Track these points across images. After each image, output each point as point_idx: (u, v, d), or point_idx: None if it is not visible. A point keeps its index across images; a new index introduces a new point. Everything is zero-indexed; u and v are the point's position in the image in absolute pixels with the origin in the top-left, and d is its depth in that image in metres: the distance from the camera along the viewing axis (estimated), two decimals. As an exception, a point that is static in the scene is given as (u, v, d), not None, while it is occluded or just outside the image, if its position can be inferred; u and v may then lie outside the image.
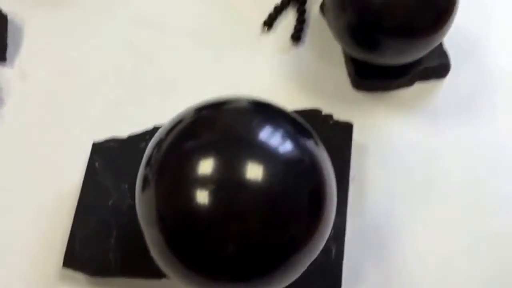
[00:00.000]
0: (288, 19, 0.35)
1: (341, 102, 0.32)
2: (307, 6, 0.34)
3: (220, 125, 0.23)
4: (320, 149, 0.24)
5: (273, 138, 0.23)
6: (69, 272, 0.28)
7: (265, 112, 0.24)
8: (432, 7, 0.28)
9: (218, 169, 0.22)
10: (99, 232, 0.28)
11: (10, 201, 0.30)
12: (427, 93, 0.33)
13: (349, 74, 0.32)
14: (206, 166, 0.22)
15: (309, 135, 0.24)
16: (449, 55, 0.33)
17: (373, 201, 0.30)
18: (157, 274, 0.26)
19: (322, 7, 0.34)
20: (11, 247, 0.29)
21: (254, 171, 0.22)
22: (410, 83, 0.32)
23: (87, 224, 0.29)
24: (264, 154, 0.22)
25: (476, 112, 0.32)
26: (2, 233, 0.29)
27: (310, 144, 0.24)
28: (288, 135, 0.23)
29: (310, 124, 0.27)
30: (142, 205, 0.24)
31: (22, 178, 0.31)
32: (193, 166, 0.22)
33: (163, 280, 0.27)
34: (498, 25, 0.34)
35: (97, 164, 0.30)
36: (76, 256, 0.28)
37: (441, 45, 0.32)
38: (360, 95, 0.32)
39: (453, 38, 0.33)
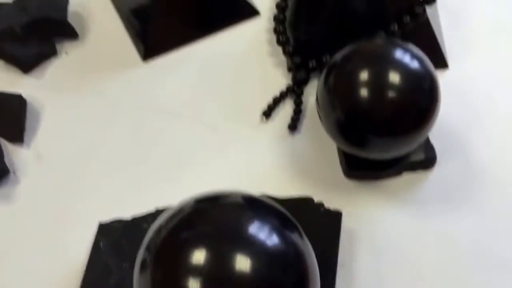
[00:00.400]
0: (286, 109, 0.37)
1: (333, 190, 0.34)
2: (304, 97, 0.37)
3: (214, 219, 0.25)
4: (304, 242, 0.26)
5: (260, 233, 0.24)
6: None
7: (255, 207, 0.26)
8: (414, 109, 0.30)
9: (208, 261, 0.23)
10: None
11: (18, 276, 0.32)
12: (415, 182, 0.35)
13: (341, 164, 0.35)
14: (198, 258, 0.24)
15: (294, 229, 0.26)
16: (435, 148, 0.35)
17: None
18: None
19: (317, 97, 0.36)
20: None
21: (241, 264, 0.23)
22: (398, 173, 0.34)
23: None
24: (251, 248, 0.24)
25: (462, 201, 0.34)
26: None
27: (295, 237, 0.25)
28: (274, 229, 0.25)
29: (301, 212, 0.29)
30: (138, 283, 0.25)
31: (31, 254, 0.33)
32: (186, 256, 0.24)
33: None
34: (483, 119, 0.37)
35: (101, 244, 0.32)
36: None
37: (427, 139, 0.35)
38: (351, 184, 0.34)
39: (439, 131, 0.35)
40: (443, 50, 0.38)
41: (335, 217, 0.32)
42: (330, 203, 0.33)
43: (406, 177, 0.35)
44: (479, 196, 0.34)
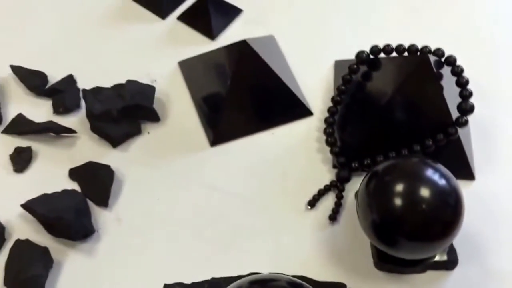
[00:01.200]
0: (328, 201, 0.43)
1: (364, 279, 0.40)
2: (345, 193, 0.43)
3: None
4: None
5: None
6: None
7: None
8: (440, 221, 0.35)
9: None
10: None
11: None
12: (437, 280, 0.40)
13: (373, 256, 0.40)
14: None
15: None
16: (458, 251, 0.40)
17: None
18: None
19: (357, 195, 0.42)
20: None
21: None
22: (422, 271, 0.40)
23: None
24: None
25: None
26: None
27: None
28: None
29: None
30: None
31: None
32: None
33: None
34: (502, 230, 0.41)
35: (164, 302, 0.39)
36: None
37: (451, 243, 0.40)
38: (380, 274, 0.40)
39: (462, 236, 0.40)
40: (471, 164, 0.43)
41: (363, 303, 0.38)
42: (359, 289, 0.38)
43: (430, 274, 0.40)
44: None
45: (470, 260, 0.40)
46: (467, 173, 0.43)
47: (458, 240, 0.40)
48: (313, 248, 0.41)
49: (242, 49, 0.47)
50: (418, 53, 0.44)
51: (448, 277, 0.40)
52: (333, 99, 0.46)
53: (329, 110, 0.46)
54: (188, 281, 0.40)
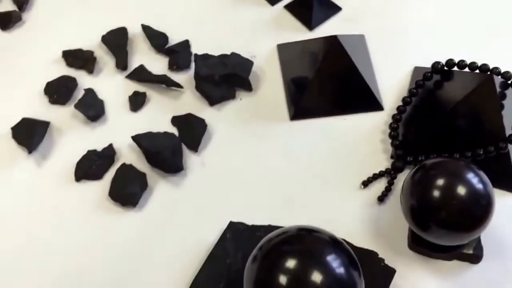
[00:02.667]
0: (380, 185, 0.51)
1: (396, 254, 0.47)
2: (396, 181, 0.50)
3: (306, 242, 0.39)
4: (361, 280, 0.39)
5: (333, 262, 0.38)
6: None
7: (335, 244, 0.40)
8: (469, 217, 0.41)
9: (294, 267, 0.38)
10: (215, 277, 0.45)
11: (169, 239, 0.49)
12: (460, 270, 0.46)
13: (408, 237, 0.47)
14: (289, 263, 0.38)
15: (356, 269, 0.39)
16: (484, 249, 0.45)
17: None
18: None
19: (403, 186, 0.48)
20: (164, 271, 0.47)
21: (314, 276, 0.37)
22: (449, 259, 0.46)
23: (209, 270, 0.46)
24: (324, 268, 0.38)
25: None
26: (156, 265, 0.48)
27: (355, 274, 0.39)
28: (343, 263, 0.38)
29: (365, 260, 0.43)
30: (248, 271, 0.40)
31: (182, 225, 0.50)
32: (282, 261, 0.38)
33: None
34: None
35: (227, 235, 0.48)
36: (197, 285, 0.45)
37: (479, 239, 0.45)
38: (411, 254, 0.47)
39: (492, 236, 0.46)
40: (517, 179, 0.48)
41: (389, 273, 0.45)
42: (389, 262, 0.45)
43: (455, 264, 0.46)
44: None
45: (494, 259, 0.46)
46: (511, 185, 0.48)
47: (487, 239, 0.46)
48: (358, 221, 0.49)
49: (332, 43, 0.54)
50: (488, 72, 0.49)
51: (471, 269, 0.46)
52: (403, 99, 0.52)
53: (398, 108, 0.53)
54: (249, 223, 0.49)
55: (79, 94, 0.58)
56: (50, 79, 0.58)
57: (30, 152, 0.54)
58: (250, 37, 0.61)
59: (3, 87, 0.59)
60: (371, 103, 0.54)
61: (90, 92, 0.57)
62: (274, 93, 0.57)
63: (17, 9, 0.64)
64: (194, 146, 0.54)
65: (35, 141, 0.54)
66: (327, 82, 0.55)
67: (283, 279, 0.38)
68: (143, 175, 0.52)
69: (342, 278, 0.38)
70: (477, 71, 0.50)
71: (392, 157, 0.51)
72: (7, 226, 0.50)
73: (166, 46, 0.60)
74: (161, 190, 0.52)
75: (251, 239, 0.46)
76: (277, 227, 0.47)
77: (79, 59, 0.60)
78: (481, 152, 0.48)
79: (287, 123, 0.55)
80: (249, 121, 0.55)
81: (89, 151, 0.54)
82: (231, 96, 0.57)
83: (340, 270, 0.38)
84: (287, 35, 0.61)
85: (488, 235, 0.46)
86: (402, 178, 0.50)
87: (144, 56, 0.61)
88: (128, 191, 0.50)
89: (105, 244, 0.49)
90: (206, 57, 0.57)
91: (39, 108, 0.57)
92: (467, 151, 0.48)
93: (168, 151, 0.52)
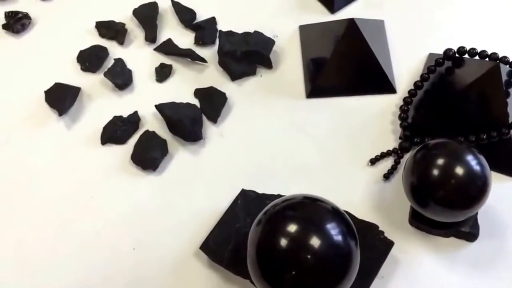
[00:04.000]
0: (387, 163, 0.54)
1: (396, 228, 0.50)
2: (402, 160, 0.54)
3: (309, 209, 0.43)
4: (357, 249, 0.43)
5: (332, 229, 0.42)
6: (201, 253, 0.50)
7: (336, 214, 0.43)
8: (465, 195, 0.45)
9: (295, 231, 0.41)
10: (224, 239, 0.50)
11: (180, 209, 0.53)
12: (456, 246, 0.49)
13: (409, 213, 0.50)
14: (290, 227, 0.41)
15: (353, 238, 0.43)
16: (480, 227, 0.49)
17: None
18: (247, 277, 0.46)
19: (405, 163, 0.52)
20: (177, 232, 0.52)
21: (312, 240, 0.41)
22: (446, 235, 0.49)
23: (219, 233, 0.50)
24: (323, 233, 0.41)
25: (488, 276, 0.48)
26: (172, 226, 0.52)
27: (352, 243, 0.42)
28: (341, 232, 0.42)
29: (366, 232, 0.47)
30: (252, 233, 0.44)
31: (199, 188, 0.54)
32: (284, 224, 0.42)
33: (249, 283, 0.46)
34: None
35: (239, 201, 0.52)
36: (207, 246, 0.50)
37: (476, 218, 0.48)
38: (410, 229, 0.51)
39: (488, 219, 0.49)
40: (519, 164, 0.51)
41: (388, 245, 0.48)
42: (389, 235, 0.49)
43: (452, 240, 0.50)
44: (506, 276, 0.47)
45: (489, 238, 0.49)
46: (511, 171, 0.51)
47: (484, 220, 0.49)
48: (363, 195, 0.53)
49: (350, 26, 0.58)
50: (498, 61, 0.52)
51: (467, 247, 0.49)
52: (415, 84, 0.56)
53: (409, 91, 0.56)
54: (260, 191, 0.53)
55: (109, 63, 0.62)
56: (83, 48, 0.63)
57: (60, 114, 0.59)
58: (274, 17, 0.65)
59: (39, 53, 0.64)
60: (384, 85, 0.58)
61: (119, 62, 0.62)
62: (293, 72, 0.61)
63: (55, -20, 0.70)
64: (214, 118, 0.58)
65: (66, 105, 0.59)
66: (344, 63, 0.58)
67: (283, 242, 0.41)
68: (164, 142, 0.57)
69: (339, 245, 0.42)
70: (487, 59, 0.53)
71: (400, 137, 0.55)
72: (38, 182, 0.56)
73: (194, 22, 0.65)
74: (180, 157, 0.56)
75: (260, 206, 0.49)
76: (284, 196, 0.51)
77: (111, 30, 0.65)
78: (485, 136, 0.51)
79: (303, 100, 0.59)
80: (268, 97, 0.59)
81: (115, 117, 0.58)
82: (252, 72, 0.61)
83: (338, 237, 0.42)
84: (309, 17, 0.64)
85: (485, 215, 0.49)
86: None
87: (172, 30, 0.65)
88: (149, 156, 0.55)
89: (124, 204, 0.54)
90: (230, 34, 0.62)
91: (71, 75, 0.62)
92: (472, 135, 0.51)
93: (189, 120, 0.56)
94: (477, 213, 0.49)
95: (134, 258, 0.51)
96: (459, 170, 0.45)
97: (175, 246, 0.51)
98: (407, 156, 0.53)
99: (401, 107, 0.55)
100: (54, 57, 0.64)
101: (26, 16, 0.66)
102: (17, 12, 0.66)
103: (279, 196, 0.52)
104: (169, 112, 0.57)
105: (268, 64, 0.61)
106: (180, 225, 0.52)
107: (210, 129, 0.58)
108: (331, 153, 0.56)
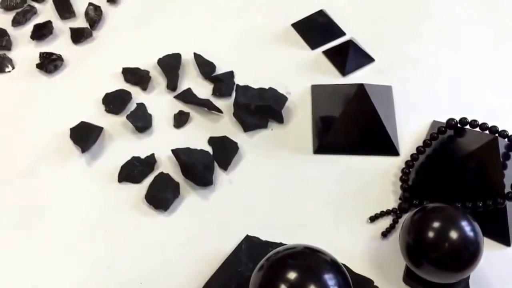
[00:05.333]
0: (386, 222, 0.57)
1: (391, 284, 0.52)
2: (400, 220, 0.56)
3: (309, 260, 0.46)
4: None
5: (330, 281, 0.44)
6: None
7: (335, 268, 0.45)
8: (457, 259, 0.47)
9: (294, 279, 0.44)
10: (226, 281, 0.52)
11: (187, 249, 0.56)
12: (448, 308, 0.51)
13: (404, 271, 0.52)
14: (290, 275, 0.44)
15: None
16: (472, 292, 0.50)
17: None
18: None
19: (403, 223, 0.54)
20: (182, 271, 0.54)
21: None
22: (440, 297, 0.51)
23: (222, 275, 0.52)
24: (322, 283, 0.43)
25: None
26: (178, 264, 0.55)
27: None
28: (337, 283, 0.44)
29: (361, 286, 0.48)
30: (254, 278, 0.47)
31: (203, 234, 0.56)
32: (285, 272, 0.44)
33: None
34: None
35: (243, 246, 0.55)
36: (210, 287, 0.52)
37: (467, 282, 0.50)
38: (404, 287, 0.52)
39: (478, 281, 0.51)
40: (510, 232, 0.53)
41: (383, 302, 0.50)
42: (384, 292, 0.51)
43: (445, 302, 0.51)
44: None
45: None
46: (504, 239, 0.53)
47: (476, 282, 0.51)
48: (361, 250, 0.55)
49: (359, 90, 0.62)
50: (497, 134, 0.55)
51: (461, 308, 0.51)
52: (417, 148, 0.59)
53: (412, 155, 0.59)
54: (263, 239, 0.55)
55: (131, 106, 0.66)
56: (108, 91, 0.67)
57: (83, 151, 0.62)
58: (288, 75, 0.69)
59: (68, 93, 0.68)
60: (388, 148, 0.61)
61: (141, 106, 0.66)
62: (302, 128, 0.64)
63: (89, 27, 0.75)
64: (225, 165, 0.61)
65: (89, 143, 0.62)
66: (351, 123, 0.62)
67: (283, 288, 0.44)
68: (177, 184, 0.59)
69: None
70: (487, 131, 0.56)
71: (400, 198, 0.57)
72: (57, 213, 0.58)
73: (213, 75, 0.69)
74: (191, 199, 0.59)
75: (263, 253, 0.51)
76: (286, 245, 0.53)
77: (136, 76, 0.69)
78: (480, 204, 0.53)
79: (310, 156, 0.62)
80: (277, 150, 0.62)
81: (133, 157, 0.62)
82: (264, 125, 0.64)
83: (334, 288, 0.44)
84: (321, 77, 0.68)
85: (477, 279, 0.51)
86: (406, 218, 0.56)
87: (192, 80, 0.69)
88: (162, 196, 0.58)
89: (135, 240, 0.56)
90: (246, 88, 0.65)
91: (96, 115, 0.66)
92: (468, 202, 0.54)
93: (202, 166, 0.59)
94: (469, 277, 0.50)
95: (139, 293, 0.53)
96: (453, 234, 0.47)
97: (180, 284, 0.53)
98: (405, 217, 0.56)
99: (402, 170, 0.58)
100: (81, 97, 0.68)
101: (59, 58, 0.71)
102: (51, 54, 0.71)
103: (281, 244, 0.54)
104: (184, 157, 0.60)
105: (279, 119, 0.64)
106: (185, 264, 0.54)
107: (220, 176, 0.61)
108: (333, 207, 0.58)
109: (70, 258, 0.55)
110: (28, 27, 0.75)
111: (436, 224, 0.48)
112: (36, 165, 0.62)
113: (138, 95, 0.68)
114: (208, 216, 0.58)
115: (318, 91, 0.66)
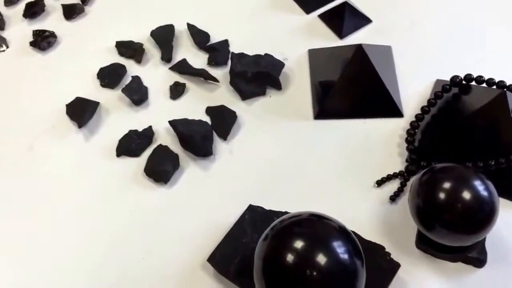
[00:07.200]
0: (393, 186, 0.49)
1: (402, 250, 0.45)
2: (408, 183, 0.48)
3: (315, 227, 0.39)
4: (363, 269, 0.38)
5: (338, 248, 0.37)
6: (208, 265, 0.45)
7: (343, 234, 0.38)
8: (471, 219, 0.40)
9: (300, 247, 0.37)
10: (231, 253, 0.45)
11: (189, 222, 0.49)
12: (463, 272, 0.44)
13: (416, 236, 0.45)
14: (296, 243, 0.37)
15: (360, 258, 0.38)
16: (488, 253, 0.43)
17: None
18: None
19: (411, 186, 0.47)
20: (186, 244, 0.47)
21: (320, 258, 0.36)
22: (453, 260, 0.44)
23: (226, 246, 0.45)
24: (329, 252, 0.37)
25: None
26: (181, 237, 0.48)
27: (358, 263, 0.37)
28: (347, 251, 0.37)
29: (372, 253, 0.41)
30: (259, 248, 0.40)
31: (204, 203, 0.49)
32: (291, 240, 0.37)
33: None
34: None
35: (246, 216, 0.47)
36: (215, 259, 0.45)
37: (483, 244, 0.43)
38: (417, 252, 0.45)
39: (497, 244, 0.44)
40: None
41: (394, 266, 0.43)
42: (395, 257, 0.44)
43: (459, 266, 0.44)
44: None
45: (497, 264, 0.43)
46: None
47: (492, 246, 0.44)
48: (369, 216, 0.47)
49: (357, 51, 0.53)
50: (505, 89, 0.47)
51: (475, 273, 0.44)
52: (422, 108, 0.51)
53: (416, 116, 0.51)
54: (267, 208, 0.48)
55: (127, 80, 0.58)
56: (103, 65, 0.59)
57: (80, 127, 0.55)
58: (284, 41, 0.60)
59: (62, 69, 0.61)
60: (391, 109, 0.53)
61: (136, 79, 0.58)
62: (301, 93, 0.56)
63: (80, 2, 0.66)
64: (224, 135, 0.53)
65: (85, 118, 0.55)
66: (351, 86, 0.54)
67: (289, 258, 0.37)
68: (176, 156, 0.52)
69: (345, 264, 0.37)
70: (494, 86, 0.48)
71: (406, 160, 0.50)
72: (55, 189, 0.51)
73: (207, 44, 0.61)
74: (191, 171, 0.52)
75: (267, 222, 0.45)
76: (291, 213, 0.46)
77: (130, 49, 0.61)
78: (493, 163, 0.46)
79: (311, 121, 0.54)
80: (276, 117, 0.55)
81: (130, 131, 0.54)
82: (261, 93, 0.56)
83: (344, 256, 0.37)
84: (318, 41, 0.60)
85: (493, 241, 0.44)
86: (414, 180, 0.49)
87: (187, 51, 0.61)
88: (161, 168, 0.51)
89: (136, 215, 0.49)
90: (242, 56, 0.57)
91: (91, 90, 0.58)
92: (479, 161, 0.46)
93: (200, 137, 0.52)
94: (485, 239, 0.43)
95: (144, 267, 0.46)
96: (467, 195, 0.40)
97: (183, 258, 0.46)
98: (413, 179, 0.49)
99: (408, 131, 0.50)
100: (76, 73, 0.60)
101: (52, 34, 0.63)
102: (44, 31, 0.63)
103: (286, 213, 0.47)
104: (181, 128, 0.52)
105: (277, 85, 0.56)
106: (188, 237, 0.47)
107: (220, 146, 0.53)
108: (338, 173, 0.50)
109: (70, 235, 0.48)
110: (21, 6, 0.67)
111: (447, 185, 0.40)
112: (33, 142, 0.55)
113: (133, 68, 0.60)
114: (210, 187, 0.51)
115: (315, 55, 0.58)
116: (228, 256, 0.45)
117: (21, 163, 0.54)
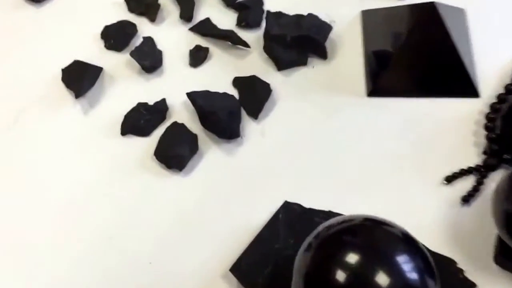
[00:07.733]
0: (467, 183, 0.43)
1: (478, 266, 0.40)
2: (486, 180, 0.43)
3: (373, 236, 0.33)
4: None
5: (405, 264, 0.32)
6: (230, 276, 0.40)
7: (409, 243, 0.33)
8: None
9: (354, 264, 0.32)
10: (260, 261, 0.40)
11: (209, 220, 0.44)
12: (555, 296, 0.38)
13: (495, 248, 0.40)
14: (350, 258, 0.32)
15: (433, 276, 0.32)
16: None
17: None
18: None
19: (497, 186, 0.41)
20: (203, 249, 0.43)
21: (381, 278, 0.31)
22: (543, 281, 0.38)
23: (255, 252, 0.41)
24: (394, 268, 0.31)
25: None
26: (197, 239, 0.43)
27: (430, 284, 0.32)
28: (416, 267, 0.32)
29: (442, 268, 0.36)
30: (299, 260, 0.35)
31: (233, 197, 0.45)
32: (342, 253, 0.32)
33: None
34: None
35: (280, 215, 0.43)
36: (239, 268, 0.40)
37: None
38: (495, 268, 0.40)
39: None
40: None
41: (469, 287, 0.38)
42: (470, 275, 0.39)
43: (547, 289, 0.39)
44: None
45: None
46: None
47: None
48: (435, 221, 0.42)
49: (428, 10, 0.47)
50: None
51: None
52: (506, 87, 0.45)
53: (498, 96, 0.45)
54: (306, 205, 0.43)
55: (137, 41, 0.54)
56: (108, 23, 0.55)
57: (77, 97, 0.50)
58: (331, 0, 0.55)
59: (59, 26, 0.57)
60: (465, 87, 0.47)
61: (149, 41, 0.53)
62: (351, 64, 0.51)
63: None
64: (255, 112, 0.49)
65: (85, 87, 0.51)
66: (414, 56, 0.48)
67: (340, 276, 0.32)
68: (194, 137, 0.47)
69: (413, 285, 0.32)
70: None
71: (485, 152, 0.44)
72: (44, 173, 0.48)
73: (237, 1, 0.55)
74: (213, 156, 0.47)
75: (306, 224, 0.41)
76: (338, 214, 0.42)
77: (142, 4, 0.56)
78: None
79: (363, 99, 0.49)
80: (320, 92, 0.49)
81: (139, 104, 0.50)
82: (302, 62, 0.51)
83: (413, 275, 0.32)
84: (374, 1, 0.54)
85: None
86: (494, 178, 0.43)
87: (211, 8, 0.56)
88: (176, 152, 0.46)
89: (142, 208, 0.45)
90: (279, 15, 0.52)
91: (94, 52, 0.54)
92: None
93: (225, 113, 0.47)
94: None
95: (150, 275, 0.42)
96: None
97: (200, 265, 0.42)
98: (493, 176, 0.43)
99: (487, 115, 0.44)
100: (76, 32, 0.56)
101: (48, -16, 0.59)
102: (38, -20, 0.59)
103: (330, 213, 0.42)
104: (202, 102, 0.47)
105: (322, 54, 0.51)
106: (207, 240, 0.43)
107: (249, 126, 0.48)
108: (394, 165, 0.45)
109: (62, 229, 0.45)
110: (12, -50, 0.63)
111: (548, 187, 0.35)
112: (21, 114, 0.51)
113: (145, 28, 0.55)
114: (235, 177, 0.46)
115: (370, 18, 0.52)
116: (256, 265, 0.40)
117: (4, 139, 0.50)
